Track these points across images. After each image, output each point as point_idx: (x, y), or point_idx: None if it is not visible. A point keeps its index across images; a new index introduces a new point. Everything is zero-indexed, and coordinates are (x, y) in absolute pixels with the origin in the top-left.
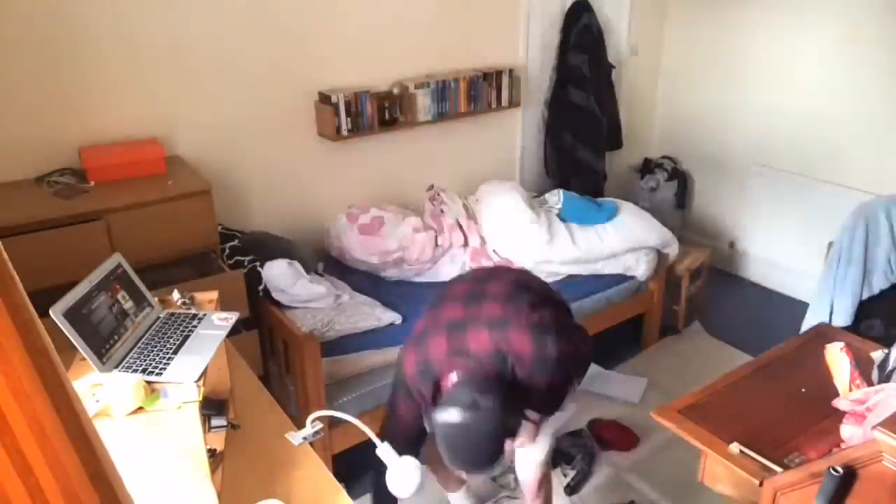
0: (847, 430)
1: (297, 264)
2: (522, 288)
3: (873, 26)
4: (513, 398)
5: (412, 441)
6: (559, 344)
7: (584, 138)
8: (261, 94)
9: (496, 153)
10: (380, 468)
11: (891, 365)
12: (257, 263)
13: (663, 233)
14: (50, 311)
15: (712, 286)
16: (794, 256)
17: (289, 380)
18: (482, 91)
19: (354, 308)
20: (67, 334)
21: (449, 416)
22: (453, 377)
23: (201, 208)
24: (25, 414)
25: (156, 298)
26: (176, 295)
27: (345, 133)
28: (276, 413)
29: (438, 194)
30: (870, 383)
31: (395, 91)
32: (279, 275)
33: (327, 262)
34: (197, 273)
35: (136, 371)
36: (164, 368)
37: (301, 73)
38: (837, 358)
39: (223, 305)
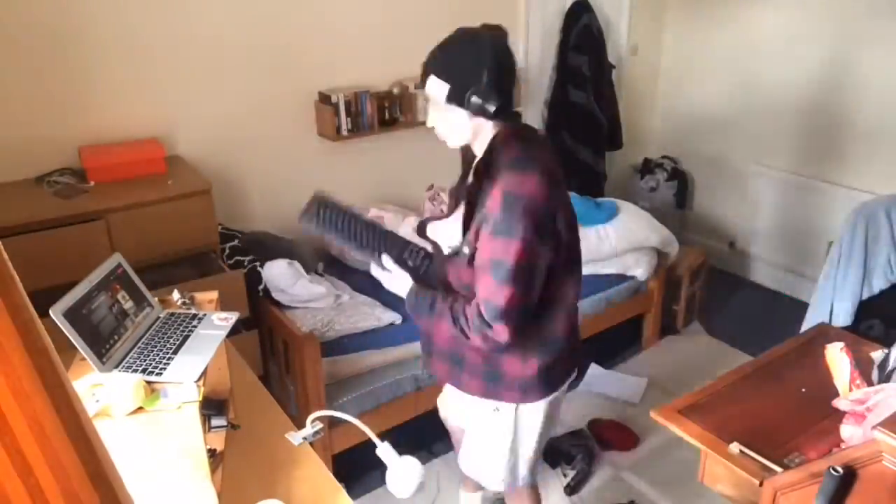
0: (847, 430)
1: (297, 264)
2: None
3: (874, 26)
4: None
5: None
6: None
7: (584, 138)
8: (261, 93)
9: None
10: None
11: (891, 365)
12: (257, 263)
13: (663, 233)
14: (50, 311)
15: (712, 286)
16: (794, 256)
17: (289, 380)
18: None
19: (354, 308)
20: (67, 334)
21: None
22: None
23: (201, 208)
24: (25, 414)
25: (156, 298)
26: (176, 295)
27: (345, 133)
28: (276, 413)
29: (438, 194)
30: (870, 383)
31: (395, 91)
32: (279, 275)
33: (327, 262)
34: (197, 273)
35: (136, 371)
36: (164, 368)
37: (301, 73)
38: (837, 358)
39: (223, 305)
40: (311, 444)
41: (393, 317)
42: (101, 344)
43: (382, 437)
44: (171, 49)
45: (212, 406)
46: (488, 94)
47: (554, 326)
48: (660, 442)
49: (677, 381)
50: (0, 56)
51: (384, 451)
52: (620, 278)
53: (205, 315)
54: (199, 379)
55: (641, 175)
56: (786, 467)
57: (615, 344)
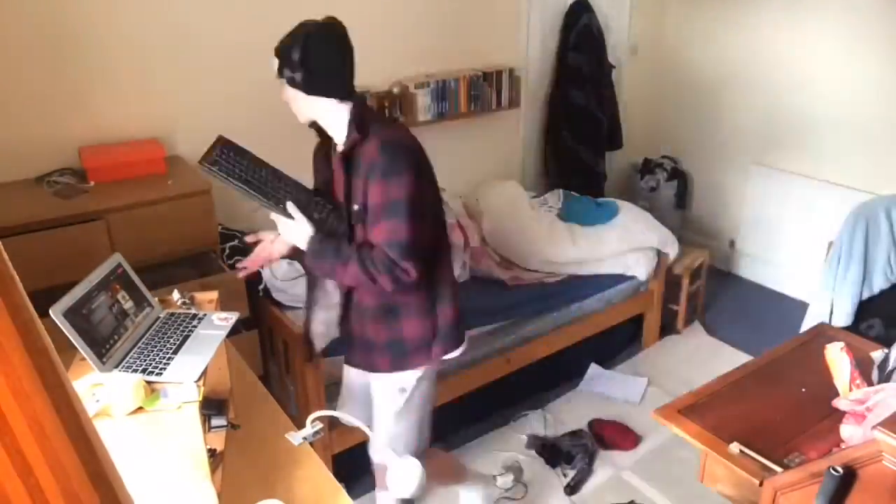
0: (847, 430)
1: (297, 264)
2: None
3: (874, 26)
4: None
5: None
6: None
7: (584, 138)
8: (261, 93)
9: (496, 153)
10: None
11: (891, 365)
12: None
13: (663, 233)
14: (50, 311)
15: (712, 286)
16: (794, 256)
17: (289, 380)
18: (482, 91)
19: None
20: (67, 334)
21: None
22: None
23: (201, 208)
24: (25, 414)
25: (156, 298)
26: (176, 295)
27: None
28: (276, 413)
29: None
30: (870, 383)
31: (395, 91)
32: (279, 275)
33: None
34: (197, 273)
35: (136, 371)
36: (164, 368)
37: None
38: (837, 358)
39: (223, 305)
40: (311, 444)
41: None
42: (101, 344)
43: None
44: (171, 49)
45: (212, 406)
46: (338, 78)
47: (443, 290)
48: (660, 442)
49: (677, 381)
50: (1, 56)
51: (384, 451)
52: (620, 278)
53: (205, 315)
54: (199, 379)
55: (641, 175)
56: (786, 467)
57: (615, 344)
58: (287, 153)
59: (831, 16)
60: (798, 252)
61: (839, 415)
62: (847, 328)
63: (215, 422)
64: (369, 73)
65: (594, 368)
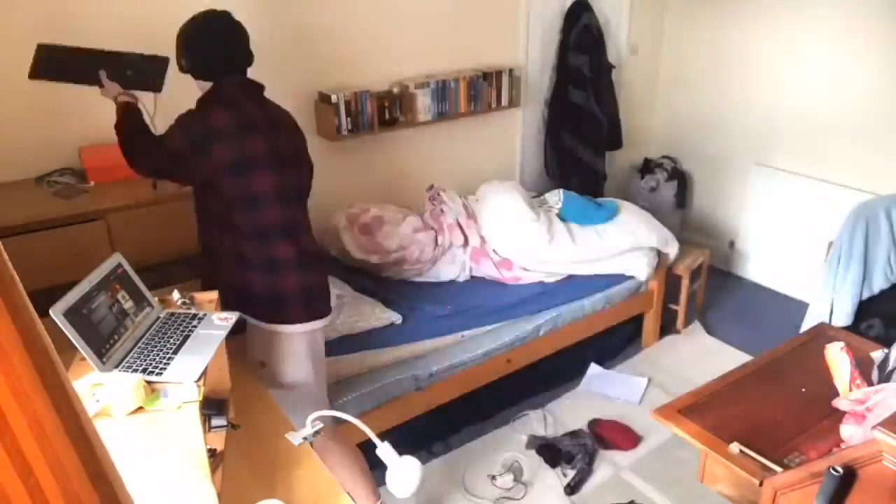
0: (847, 430)
1: None
2: None
3: (873, 25)
4: None
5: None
6: None
7: (584, 138)
8: None
9: (496, 153)
10: None
11: (891, 365)
12: None
13: (663, 233)
14: (50, 311)
15: (712, 286)
16: (794, 256)
17: None
18: (482, 91)
19: (354, 308)
20: (67, 334)
21: None
22: None
23: None
24: (25, 414)
25: (156, 298)
26: (176, 295)
27: (345, 133)
28: (276, 413)
29: (438, 194)
30: (870, 383)
31: (395, 91)
32: None
33: (327, 262)
34: (197, 273)
35: (136, 371)
36: (164, 368)
37: (301, 73)
38: (837, 358)
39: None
40: (311, 444)
41: (393, 316)
42: (101, 344)
43: (382, 437)
44: (171, 49)
45: (212, 406)
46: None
47: (280, 250)
48: (660, 442)
49: (677, 381)
50: (1, 56)
51: (384, 451)
52: (620, 278)
53: (205, 315)
54: (199, 379)
55: (641, 175)
56: (786, 467)
57: (615, 344)
58: None
59: (831, 16)
60: (798, 252)
61: (839, 415)
62: (847, 328)
63: (215, 422)
64: (369, 73)
65: (594, 368)
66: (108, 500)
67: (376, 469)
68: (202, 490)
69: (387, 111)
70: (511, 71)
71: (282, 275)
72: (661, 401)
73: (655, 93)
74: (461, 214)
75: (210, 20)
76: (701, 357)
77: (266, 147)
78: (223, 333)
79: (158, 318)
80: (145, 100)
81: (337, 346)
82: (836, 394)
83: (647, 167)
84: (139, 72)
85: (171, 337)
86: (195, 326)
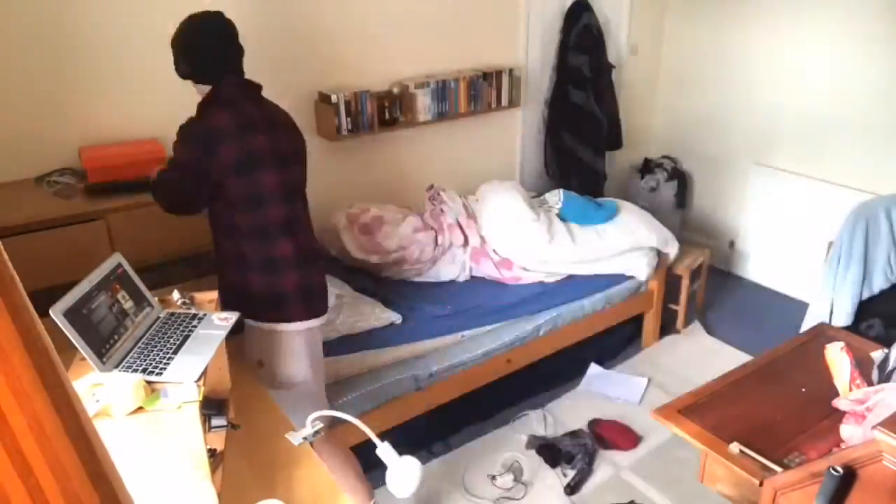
0: (847, 430)
1: None
2: None
3: (873, 25)
4: None
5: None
6: None
7: (584, 138)
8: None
9: (496, 153)
10: None
11: (891, 365)
12: None
13: (663, 232)
14: (50, 311)
15: (712, 286)
16: (794, 256)
17: None
18: (482, 91)
19: (354, 308)
20: (67, 334)
21: None
22: None
23: None
24: (25, 414)
25: (156, 298)
26: (176, 295)
27: (345, 133)
28: (276, 413)
29: (438, 194)
30: (870, 383)
31: (395, 91)
32: None
33: (327, 262)
34: (197, 273)
35: (136, 371)
36: (164, 368)
37: (301, 73)
38: (837, 358)
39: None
40: (311, 444)
41: (393, 316)
42: (101, 344)
43: (382, 437)
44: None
45: (212, 406)
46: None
47: (280, 248)
48: (660, 442)
49: (677, 381)
50: (1, 56)
51: (384, 451)
52: (620, 278)
53: (205, 315)
54: (199, 379)
55: (641, 175)
56: (786, 467)
57: (615, 344)
58: None
59: (831, 16)
60: (798, 252)
61: (839, 415)
62: (847, 328)
63: (215, 422)
64: (369, 73)
65: (594, 368)
66: (108, 500)
67: (376, 469)
68: (202, 490)
69: (387, 111)
70: (511, 71)
71: (281, 274)
72: (661, 401)
73: (655, 93)
74: (461, 214)
75: (205, 21)
76: (701, 357)
77: (268, 146)
78: (223, 333)
79: (158, 318)
80: None
81: (337, 345)
82: (836, 394)
83: (647, 167)
84: None
85: (171, 337)
86: (195, 326)
